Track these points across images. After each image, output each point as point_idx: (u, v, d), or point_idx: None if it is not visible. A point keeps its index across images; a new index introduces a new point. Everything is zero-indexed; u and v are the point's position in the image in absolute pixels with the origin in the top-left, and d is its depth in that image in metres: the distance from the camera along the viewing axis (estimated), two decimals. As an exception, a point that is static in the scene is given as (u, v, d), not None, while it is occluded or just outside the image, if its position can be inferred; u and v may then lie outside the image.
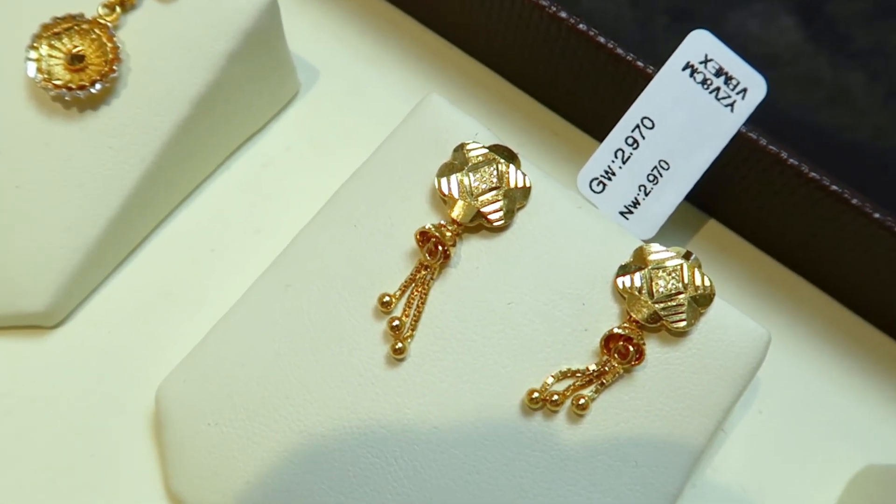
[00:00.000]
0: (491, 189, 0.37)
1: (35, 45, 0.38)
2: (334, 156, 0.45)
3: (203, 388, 0.37)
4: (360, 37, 0.47)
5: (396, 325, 0.36)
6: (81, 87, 0.38)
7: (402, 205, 0.38)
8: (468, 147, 0.38)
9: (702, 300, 0.36)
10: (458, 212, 0.37)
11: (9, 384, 0.39)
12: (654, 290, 0.36)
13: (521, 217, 0.38)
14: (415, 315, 0.36)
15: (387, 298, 0.36)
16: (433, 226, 0.36)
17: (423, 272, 0.37)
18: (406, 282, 0.37)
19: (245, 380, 0.36)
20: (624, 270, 0.37)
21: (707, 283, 0.36)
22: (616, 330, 0.36)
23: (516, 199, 0.37)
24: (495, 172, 0.37)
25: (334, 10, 0.48)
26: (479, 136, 0.39)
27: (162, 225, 0.43)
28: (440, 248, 0.36)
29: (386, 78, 0.47)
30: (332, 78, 0.46)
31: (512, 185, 0.37)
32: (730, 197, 0.43)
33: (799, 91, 0.56)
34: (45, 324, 0.40)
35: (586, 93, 0.44)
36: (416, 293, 0.37)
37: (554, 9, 0.42)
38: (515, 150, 0.38)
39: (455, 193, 0.37)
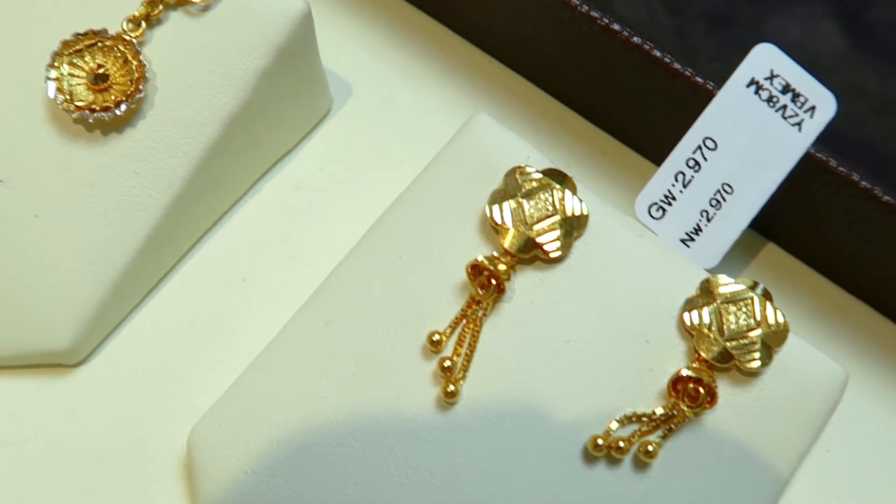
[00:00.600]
0: (546, 217, 0.35)
1: (55, 63, 0.36)
2: (371, 177, 0.42)
3: (239, 432, 0.34)
4: (395, 49, 0.45)
5: (448, 366, 0.33)
6: (105, 109, 0.36)
7: (450, 233, 0.35)
8: (521, 172, 0.35)
9: (775, 337, 0.34)
10: (511, 242, 0.34)
11: (29, 426, 0.37)
12: (725, 326, 0.34)
13: (578, 247, 0.35)
14: (466, 354, 0.34)
15: (437, 337, 0.34)
16: (486, 258, 0.34)
17: (475, 307, 0.34)
18: (456, 318, 0.34)
19: (284, 425, 0.34)
20: (691, 305, 0.34)
21: (781, 318, 0.34)
22: (685, 371, 0.33)
23: (573, 227, 0.35)
24: (551, 199, 0.35)
25: (367, 21, 0.45)
26: (531, 160, 0.36)
27: (190, 253, 0.40)
28: (493, 281, 0.34)
29: (423, 93, 0.44)
30: (365, 93, 0.44)
31: (569, 212, 0.35)
32: (793, 220, 0.41)
33: (843, 100, 0.54)
34: (66, 362, 0.37)
35: (638, 110, 0.41)
36: (467, 330, 0.34)
37: (606, 21, 0.39)
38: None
39: (508, 222, 0.34)
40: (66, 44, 0.36)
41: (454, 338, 0.34)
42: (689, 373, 0.33)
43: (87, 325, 0.36)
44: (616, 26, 0.39)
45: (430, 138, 0.42)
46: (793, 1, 0.55)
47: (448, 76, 0.44)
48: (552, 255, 0.34)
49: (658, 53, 0.39)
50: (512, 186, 0.35)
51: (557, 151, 0.43)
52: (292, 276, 0.40)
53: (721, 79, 0.39)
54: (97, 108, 0.36)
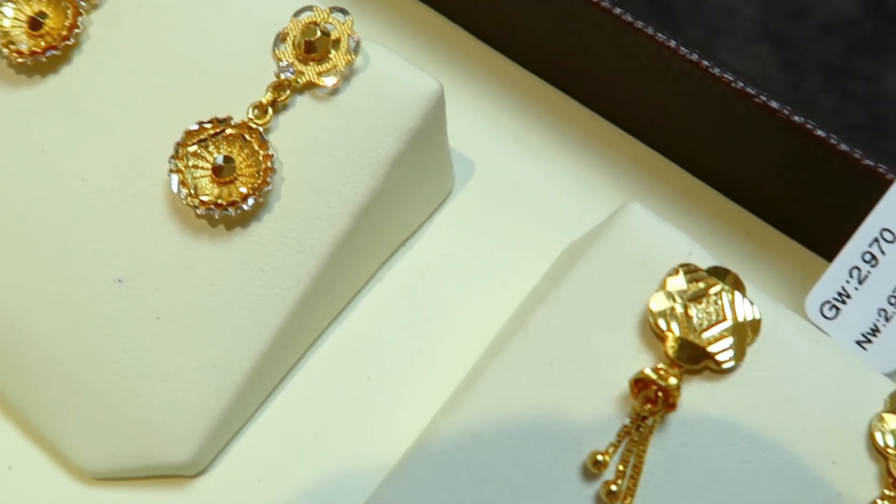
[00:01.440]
0: (716, 323, 0.31)
1: (178, 155, 0.34)
2: (499, 264, 0.39)
3: (378, 558, 0.31)
4: (520, 123, 0.42)
5: (614, 491, 0.30)
6: (232, 204, 0.33)
7: (606, 339, 0.32)
8: (685, 271, 0.32)
9: (980, 460, 0.30)
10: (679, 351, 0.31)
11: (146, 543, 0.34)
12: (923, 447, 0.30)
13: (751, 355, 0.32)
14: (632, 477, 0.31)
15: (600, 458, 0.30)
16: (652, 370, 0.31)
17: (641, 424, 0.31)
18: (619, 435, 0.31)
19: (431, 553, 0.31)
20: (881, 421, 0.31)
21: None
22: (880, 502, 0.30)
23: (746, 333, 0.32)
24: (720, 302, 0.32)
25: (490, 92, 0.42)
26: (693, 256, 0.33)
27: (311, 350, 0.37)
28: (660, 395, 0.31)
29: (552, 172, 0.41)
30: (489, 172, 0.41)
31: (740, 317, 0.31)
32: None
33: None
34: (186, 473, 0.35)
35: (793, 192, 0.38)
36: (631, 449, 0.31)
37: (763, 98, 0.36)
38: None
39: (675, 329, 0.31)
40: (189, 133, 0.34)
41: (616, 457, 0.31)
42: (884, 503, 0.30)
43: (209, 434, 0.34)
44: (773, 104, 0.36)
45: (561, 223, 0.40)
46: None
47: (578, 153, 0.41)
48: (725, 365, 0.31)
49: (821, 133, 0.36)
50: (675, 288, 0.32)
51: (695, 231, 0.39)
52: (420, 374, 0.37)
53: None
54: (223, 204, 0.33)
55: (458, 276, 0.39)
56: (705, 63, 0.37)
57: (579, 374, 0.32)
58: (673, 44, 0.37)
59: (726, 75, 0.36)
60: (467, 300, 0.39)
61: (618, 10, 0.37)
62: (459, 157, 0.41)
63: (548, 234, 0.40)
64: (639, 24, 0.37)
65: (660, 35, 0.37)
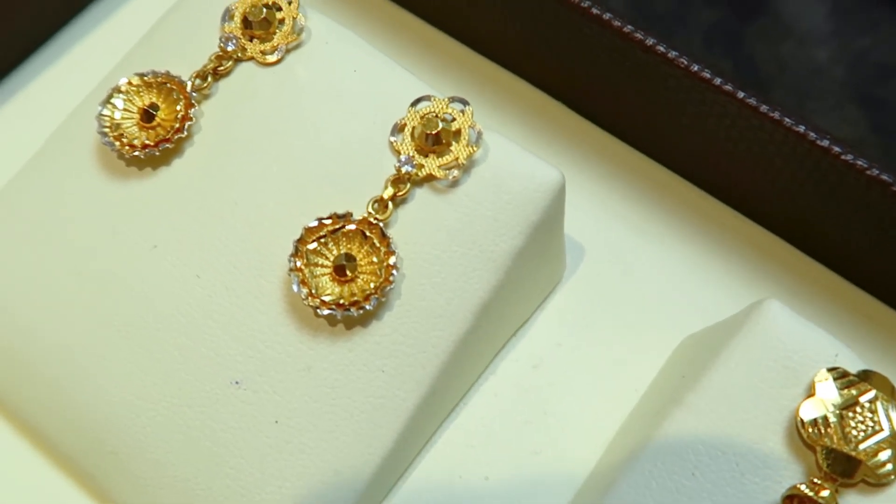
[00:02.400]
0: (873, 434, 0.30)
1: (298, 253, 0.32)
2: (613, 356, 0.38)
3: None
4: (628, 206, 0.40)
5: None
6: (354, 304, 0.32)
7: (752, 448, 0.31)
8: (834, 376, 0.30)
9: None
10: (833, 464, 0.29)
11: None
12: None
13: (907, 466, 0.30)
14: None
15: (754, 580, 0.29)
16: (807, 484, 0.29)
17: (794, 542, 0.29)
18: (772, 554, 0.29)
19: None
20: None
21: None
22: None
23: (903, 444, 0.30)
24: (875, 411, 0.30)
25: (598, 173, 0.41)
26: (839, 358, 0.31)
27: (426, 449, 0.36)
28: (815, 511, 0.29)
29: (663, 257, 0.39)
30: (599, 257, 0.40)
31: (897, 428, 0.30)
32: None
33: None
34: (303, 583, 0.33)
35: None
36: (785, 569, 0.29)
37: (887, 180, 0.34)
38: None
39: (828, 439, 0.30)
40: (309, 230, 0.33)
41: (769, 577, 0.29)
42: None
43: (329, 545, 0.33)
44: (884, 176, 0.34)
45: (676, 312, 0.38)
46: None
47: (692, 237, 0.40)
48: (885, 479, 0.29)
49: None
50: (826, 395, 0.30)
51: (831, 326, 0.38)
52: (538, 474, 0.36)
53: None
54: (345, 304, 0.32)
55: (571, 369, 0.38)
56: (836, 149, 0.35)
57: (724, 487, 0.31)
58: (802, 129, 0.35)
59: (859, 162, 0.35)
60: (583, 395, 0.37)
61: (741, 94, 0.36)
62: (569, 241, 0.40)
63: (662, 325, 0.38)
64: (763, 107, 0.36)
65: (787, 119, 0.36)
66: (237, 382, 0.33)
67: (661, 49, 0.37)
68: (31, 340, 0.34)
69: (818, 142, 0.35)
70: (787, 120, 0.36)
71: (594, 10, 0.38)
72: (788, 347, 0.32)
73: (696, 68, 0.36)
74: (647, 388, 0.37)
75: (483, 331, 0.35)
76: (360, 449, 0.33)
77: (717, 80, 0.36)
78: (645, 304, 0.39)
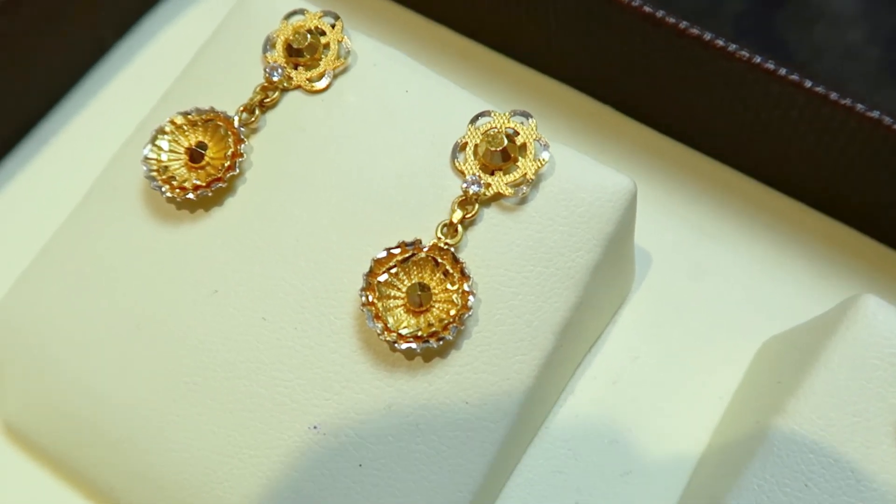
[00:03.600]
0: None
1: (369, 286, 0.31)
2: (693, 364, 0.36)
3: None
4: (691, 209, 0.39)
5: None
6: (433, 335, 0.30)
7: (864, 454, 0.29)
8: (944, 370, 0.29)
9: None
10: (957, 464, 0.28)
11: None
12: None
13: None
14: None
15: None
16: (932, 488, 0.28)
17: (924, 550, 0.28)
18: (901, 564, 0.28)
19: None
20: None
21: None
22: None
23: None
24: None
25: (659, 177, 0.40)
26: (945, 351, 0.30)
27: (513, 477, 0.34)
28: (943, 516, 0.28)
29: (733, 259, 0.38)
30: (667, 263, 0.38)
31: None
32: None
33: None
34: None
35: None
36: (917, 579, 0.28)
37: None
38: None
39: (948, 439, 0.28)
40: (378, 262, 0.31)
41: (901, 589, 0.28)
42: None
43: (425, 589, 0.31)
44: None
45: (751, 315, 0.37)
46: None
47: (760, 235, 0.38)
48: None
49: None
50: (940, 391, 0.29)
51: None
52: (633, 494, 0.34)
53: None
54: (423, 336, 0.30)
55: (651, 382, 0.36)
56: (911, 132, 0.34)
57: (840, 497, 0.29)
58: (876, 114, 0.34)
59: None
60: (667, 408, 0.36)
61: (808, 84, 0.35)
62: (636, 249, 0.38)
63: (740, 329, 0.37)
64: (833, 95, 0.35)
65: (860, 105, 0.34)
66: (316, 427, 0.31)
67: (720, 43, 0.35)
68: (96, 401, 0.33)
69: (894, 126, 0.34)
70: (859, 106, 0.34)
71: (646, 9, 0.37)
72: (893, 343, 0.30)
73: (758, 60, 0.35)
74: (732, 396, 0.36)
75: (564, 351, 0.33)
76: (451, 487, 0.31)
77: (783, 71, 0.35)
78: (719, 308, 0.37)
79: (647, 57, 0.38)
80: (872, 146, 0.35)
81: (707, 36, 0.35)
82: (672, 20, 0.36)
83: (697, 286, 0.38)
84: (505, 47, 0.44)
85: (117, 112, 0.42)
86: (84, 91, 0.44)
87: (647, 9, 0.37)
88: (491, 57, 0.43)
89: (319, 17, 0.35)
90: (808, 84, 0.35)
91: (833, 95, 0.34)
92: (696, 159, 0.40)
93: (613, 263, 0.34)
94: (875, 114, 0.34)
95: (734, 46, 0.35)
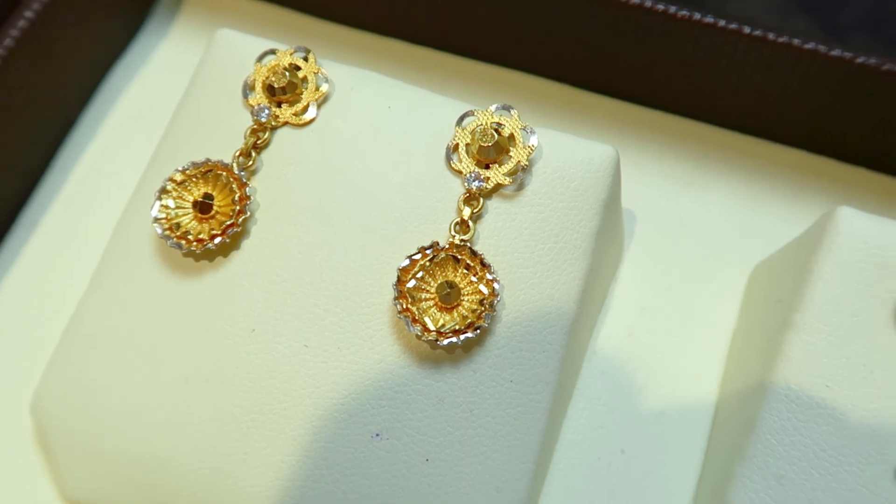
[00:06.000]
0: (977, 300, 0.32)
1: (401, 295, 0.33)
2: (695, 302, 0.39)
3: None
4: (664, 162, 0.42)
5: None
6: (470, 326, 0.32)
7: (871, 346, 0.32)
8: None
9: None
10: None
11: None
12: None
13: None
14: (954, 471, 0.31)
15: (920, 463, 0.31)
16: (937, 363, 0.31)
17: (941, 418, 0.31)
18: (924, 435, 0.31)
19: None
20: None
21: None
22: None
23: None
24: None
25: (624, 141, 0.43)
26: (921, 243, 0.33)
27: (559, 441, 0.37)
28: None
29: (707, 200, 0.41)
30: (650, 217, 0.41)
31: None
32: None
33: None
34: None
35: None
36: (940, 445, 0.31)
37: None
38: None
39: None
40: (403, 270, 0.33)
41: (928, 457, 0.31)
42: None
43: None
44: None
45: (736, 247, 0.40)
46: None
47: (727, 174, 0.42)
48: None
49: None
50: (923, 278, 0.32)
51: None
52: (670, 434, 0.37)
53: None
54: (461, 329, 0.32)
55: (662, 327, 0.39)
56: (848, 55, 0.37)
57: (859, 389, 0.32)
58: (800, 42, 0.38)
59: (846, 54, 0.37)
60: (682, 347, 0.39)
61: (747, 29, 0.38)
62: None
63: (728, 261, 0.40)
64: (770, 35, 0.38)
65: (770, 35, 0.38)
66: (377, 435, 0.33)
67: (661, 7, 0.38)
68: (161, 463, 0.34)
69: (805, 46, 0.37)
70: (795, 41, 0.38)
71: None
72: (874, 244, 0.34)
73: (698, 16, 0.38)
74: (736, 322, 0.39)
75: (585, 315, 0.36)
76: (513, 461, 0.33)
77: (709, 19, 0.38)
78: (706, 247, 0.41)
79: (595, 32, 0.41)
80: (812, 73, 0.38)
81: (648, 3, 0.38)
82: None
83: (682, 232, 0.41)
84: (453, 47, 0.46)
85: (99, 182, 0.43)
86: (60, 168, 0.44)
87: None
88: (444, 59, 0.46)
89: (292, 54, 0.36)
90: (746, 30, 0.38)
91: (770, 35, 0.38)
92: (655, 117, 0.43)
93: (610, 226, 0.37)
94: (813, 45, 0.37)
95: (674, 8, 0.38)
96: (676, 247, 0.41)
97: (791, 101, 0.40)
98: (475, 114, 0.35)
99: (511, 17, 0.42)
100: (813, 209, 0.40)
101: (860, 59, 0.37)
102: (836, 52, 0.37)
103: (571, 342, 0.35)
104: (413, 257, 0.33)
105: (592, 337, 0.39)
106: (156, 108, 0.44)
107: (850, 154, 0.41)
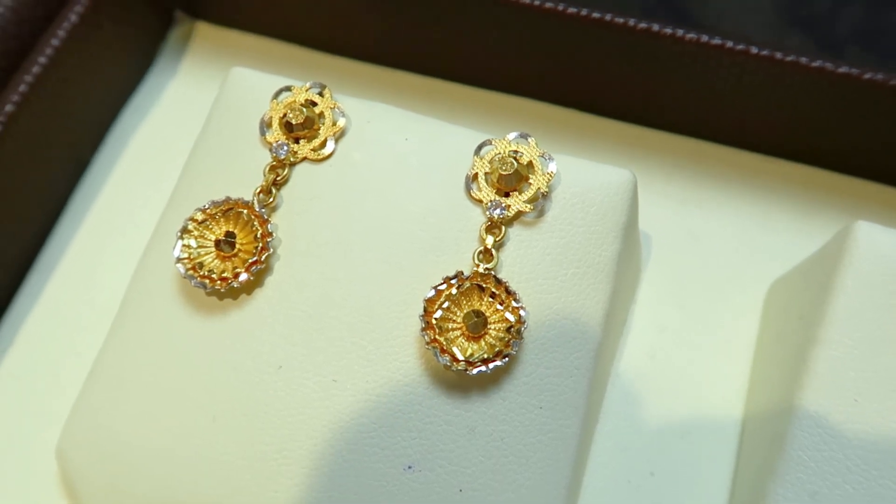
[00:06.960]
0: None
1: (428, 326, 0.33)
2: (713, 322, 0.40)
3: None
4: (675, 182, 0.43)
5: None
6: (498, 355, 0.32)
7: (894, 358, 0.33)
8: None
9: None
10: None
11: None
12: None
13: None
14: None
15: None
16: (964, 373, 0.31)
17: (971, 428, 0.31)
18: (955, 445, 0.31)
19: None
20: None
21: None
22: None
23: None
24: None
25: (637, 164, 0.43)
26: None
27: (587, 465, 0.37)
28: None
29: (721, 219, 0.42)
30: (665, 238, 0.41)
31: None
32: None
33: None
34: None
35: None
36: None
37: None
38: None
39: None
40: (430, 301, 0.33)
41: (961, 467, 0.31)
42: None
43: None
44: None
45: (752, 265, 0.41)
46: None
47: (740, 193, 0.42)
48: None
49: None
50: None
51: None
52: (697, 454, 0.37)
53: None
54: (490, 358, 0.32)
55: (683, 347, 0.39)
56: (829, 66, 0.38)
57: (885, 401, 0.33)
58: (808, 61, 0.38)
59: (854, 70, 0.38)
60: (704, 366, 0.39)
61: (755, 50, 0.39)
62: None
63: (744, 279, 0.40)
64: (778, 54, 0.39)
65: (777, 54, 0.38)
66: (410, 467, 0.33)
67: (668, 31, 0.39)
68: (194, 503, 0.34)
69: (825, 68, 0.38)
70: (803, 59, 0.38)
71: (570, 10, 0.40)
72: (894, 257, 0.34)
73: (705, 38, 0.39)
74: (756, 339, 0.39)
75: (609, 338, 0.36)
76: (546, 487, 0.33)
77: (716, 40, 0.39)
78: (722, 266, 0.41)
79: (596, 55, 0.41)
80: (819, 90, 0.39)
81: (656, 27, 0.39)
82: (608, 17, 0.39)
83: (697, 251, 0.41)
84: (460, 76, 0.46)
85: (115, 223, 0.43)
86: (75, 210, 0.44)
87: (570, 10, 0.40)
88: (450, 88, 0.46)
89: (307, 90, 0.37)
90: (754, 50, 0.38)
91: (778, 55, 0.38)
92: (665, 138, 0.44)
93: (629, 249, 0.37)
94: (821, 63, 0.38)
95: (682, 31, 0.39)
96: (693, 266, 0.41)
97: (799, 118, 0.40)
98: (493, 143, 0.35)
99: (518, 45, 0.43)
100: (825, 224, 0.41)
101: (868, 76, 0.37)
102: (843, 69, 0.38)
103: (597, 366, 0.35)
104: (438, 287, 0.34)
105: (616, 359, 0.39)
106: (168, 148, 0.44)
107: (860, 169, 0.42)
